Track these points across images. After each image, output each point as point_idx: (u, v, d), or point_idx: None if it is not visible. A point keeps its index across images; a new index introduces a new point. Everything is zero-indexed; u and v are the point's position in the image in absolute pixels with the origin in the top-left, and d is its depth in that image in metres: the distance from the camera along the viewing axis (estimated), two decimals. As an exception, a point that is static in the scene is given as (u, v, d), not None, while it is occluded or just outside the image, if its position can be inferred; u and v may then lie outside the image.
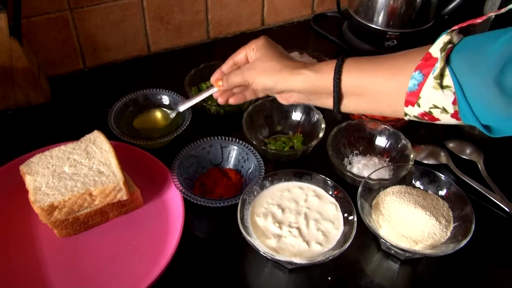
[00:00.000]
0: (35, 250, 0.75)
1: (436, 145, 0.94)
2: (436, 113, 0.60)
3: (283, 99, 0.76)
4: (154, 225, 0.79)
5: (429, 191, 0.80)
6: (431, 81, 0.58)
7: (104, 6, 1.06)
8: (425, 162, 0.91)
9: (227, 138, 0.88)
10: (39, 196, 0.71)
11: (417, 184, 0.82)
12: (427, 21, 1.16)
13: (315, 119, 0.94)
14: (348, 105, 0.69)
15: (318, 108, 0.94)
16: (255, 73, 0.72)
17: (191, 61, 1.08)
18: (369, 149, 0.92)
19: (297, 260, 0.68)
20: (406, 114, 0.64)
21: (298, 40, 1.29)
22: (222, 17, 1.22)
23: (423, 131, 1.00)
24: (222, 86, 0.77)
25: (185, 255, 0.75)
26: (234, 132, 0.91)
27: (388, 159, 0.91)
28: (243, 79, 0.74)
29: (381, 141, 0.92)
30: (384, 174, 0.84)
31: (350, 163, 0.90)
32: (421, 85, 0.59)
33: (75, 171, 0.75)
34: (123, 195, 0.75)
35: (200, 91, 1.03)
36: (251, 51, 0.75)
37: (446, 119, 0.61)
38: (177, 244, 0.73)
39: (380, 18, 1.14)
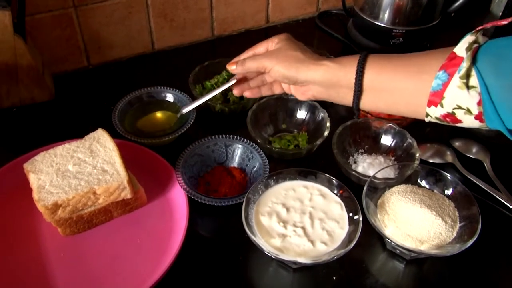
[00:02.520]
0: (39, 248, 0.75)
1: (442, 144, 0.93)
2: (459, 114, 0.59)
3: (300, 94, 0.76)
4: (158, 224, 0.79)
5: (435, 191, 0.80)
6: (456, 80, 0.57)
7: (109, 3, 1.06)
8: (431, 161, 0.91)
9: (231, 136, 0.88)
10: (43, 194, 0.71)
11: (423, 183, 0.81)
12: (433, 19, 1.16)
13: (320, 118, 0.93)
14: (367, 102, 0.69)
15: (323, 106, 0.94)
16: (275, 60, 0.72)
17: (196, 59, 1.07)
18: (375, 148, 0.92)
19: (302, 260, 0.68)
20: (427, 115, 0.63)
21: (303, 38, 1.26)
22: (226, 14, 1.22)
23: (428, 129, 0.99)
24: (235, 69, 0.77)
25: (189, 254, 0.74)
26: (239, 130, 0.91)
27: (393, 158, 0.90)
28: (261, 65, 0.73)
29: (387, 140, 0.92)
30: (390, 173, 0.83)
31: (355, 162, 0.90)
32: (445, 85, 0.58)
33: (79, 170, 0.75)
34: (127, 194, 0.75)
35: (204, 88, 1.02)
36: (273, 44, 0.75)
37: (469, 121, 0.60)
38: (181, 243, 0.72)
39: (385, 16, 1.13)
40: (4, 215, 0.79)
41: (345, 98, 0.70)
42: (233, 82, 0.88)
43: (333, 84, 0.70)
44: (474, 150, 0.92)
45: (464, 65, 0.57)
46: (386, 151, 0.91)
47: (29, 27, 0.98)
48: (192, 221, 0.76)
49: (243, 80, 0.81)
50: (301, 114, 0.97)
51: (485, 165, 0.90)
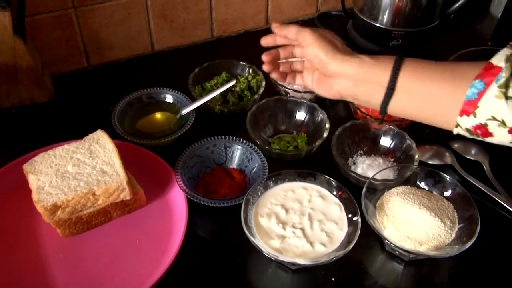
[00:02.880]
0: (38, 249, 0.75)
1: (441, 145, 0.93)
2: (492, 126, 0.58)
3: (324, 88, 0.74)
4: (157, 225, 0.79)
5: (434, 192, 0.80)
6: (494, 90, 0.56)
7: (108, 4, 1.06)
8: (430, 162, 0.91)
9: (231, 137, 0.88)
10: (42, 195, 0.71)
11: (422, 184, 0.81)
12: (432, 20, 1.16)
13: (319, 119, 0.94)
14: (396, 105, 0.67)
15: (322, 107, 0.94)
16: (317, 38, 0.70)
17: (195, 60, 1.07)
18: (374, 149, 0.92)
19: (301, 261, 0.68)
20: (457, 125, 0.61)
21: (302, 39, 1.28)
22: (226, 15, 1.22)
23: (427, 131, 0.99)
24: (276, 28, 0.75)
25: (188, 255, 0.74)
26: (238, 131, 0.91)
27: (392, 160, 0.90)
28: (302, 35, 0.71)
29: (386, 141, 0.92)
30: (389, 174, 0.83)
31: (354, 163, 0.90)
32: (481, 94, 0.57)
33: (79, 171, 0.75)
34: (126, 195, 0.75)
35: (204, 90, 1.02)
36: (300, 43, 0.73)
37: (501, 134, 0.58)
38: (181, 244, 0.72)
39: (385, 17, 1.13)
40: (3, 216, 0.79)
41: (374, 96, 0.68)
42: (232, 83, 0.89)
43: (365, 80, 0.67)
44: (473, 151, 0.92)
45: (503, 74, 0.55)
46: (385, 153, 0.91)
47: (29, 28, 0.98)
48: (191, 222, 0.76)
49: (275, 59, 0.79)
50: (301, 115, 0.97)
51: (484, 166, 0.90)
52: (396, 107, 0.67)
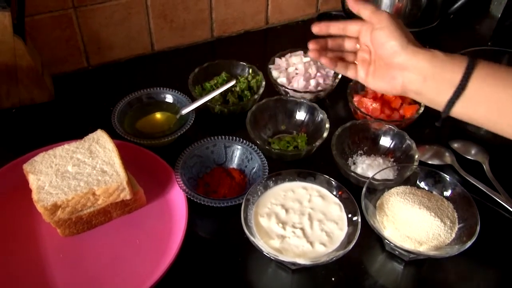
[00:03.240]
0: (38, 249, 0.75)
1: (441, 145, 0.93)
2: None
3: (386, 79, 0.70)
4: (157, 225, 0.79)
5: (434, 192, 0.80)
6: None
7: (108, 4, 1.06)
8: (430, 162, 0.91)
9: (230, 137, 0.88)
10: (43, 195, 0.71)
11: (422, 184, 0.81)
12: (432, 20, 1.16)
13: (319, 119, 0.94)
14: (463, 107, 0.63)
15: (322, 107, 0.94)
16: (394, 23, 0.67)
17: (195, 60, 1.07)
18: (374, 149, 0.92)
19: (301, 261, 0.68)
20: None
21: (302, 39, 1.27)
22: (226, 15, 1.22)
23: (427, 131, 1.00)
24: (352, 1, 0.72)
25: (188, 255, 0.74)
26: (238, 131, 0.91)
27: (392, 160, 0.90)
28: (379, 15, 0.68)
29: (386, 141, 0.92)
30: (389, 174, 0.83)
31: (354, 163, 0.90)
32: None
33: (79, 170, 0.75)
34: (126, 195, 0.75)
35: (203, 90, 1.02)
36: (373, 24, 0.69)
37: None
38: (180, 244, 0.72)
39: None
40: (3, 216, 0.79)
41: (440, 95, 0.64)
42: (232, 83, 0.88)
43: (435, 76, 0.64)
44: (473, 151, 0.92)
45: None
46: (385, 153, 0.91)
47: (29, 28, 0.98)
48: (191, 222, 0.76)
49: (322, 47, 0.77)
50: (300, 115, 0.97)
51: (484, 166, 0.90)
52: (462, 109, 0.64)
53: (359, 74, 0.75)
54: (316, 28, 0.76)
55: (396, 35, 0.66)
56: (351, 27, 0.75)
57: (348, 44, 0.77)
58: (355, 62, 0.77)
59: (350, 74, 0.76)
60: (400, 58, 0.66)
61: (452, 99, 0.63)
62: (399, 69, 0.68)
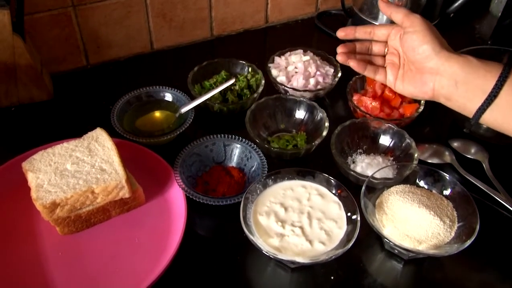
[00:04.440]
0: (37, 247, 0.75)
1: (441, 144, 0.93)
2: None
3: (417, 84, 0.70)
4: (156, 223, 0.78)
5: (433, 191, 0.80)
6: None
7: (108, 3, 1.06)
8: (429, 161, 0.91)
9: (230, 136, 0.88)
10: (41, 193, 0.71)
11: (421, 183, 0.81)
12: (432, 19, 1.16)
13: (318, 118, 0.93)
14: (493, 115, 0.62)
15: (321, 106, 0.94)
16: (427, 26, 0.67)
17: (194, 59, 1.07)
18: (373, 148, 0.92)
19: (300, 260, 0.68)
20: None
21: (302, 38, 1.28)
22: (225, 14, 1.22)
23: (427, 130, 1.00)
24: (383, 4, 0.72)
25: (187, 254, 0.74)
26: (237, 130, 0.91)
27: (392, 158, 0.90)
28: (411, 21, 0.68)
29: (385, 140, 0.92)
30: (388, 173, 0.83)
31: (353, 162, 0.90)
32: None
33: (78, 169, 0.75)
34: (125, 193, 0.75)
35: (203, 88, 1.02)
36: (406, 27, 0.69)
37: None
38: (179, 242, 0.72)
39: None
40: (2, 214, 0.79)
41: (472, 101, 0.64)
42: (232, 81, 0.88)
43: (467, 81, 0.64)
44: (472, 150, 0.92)
45: None
46: (385, 151, 0.91)
47: (28, 26, 0.98)
48: (190, 220, 0.76)
49: (350, 50, 0.78)
50: (300, 114, 0.97)
51: (484, 165, 0.90)
52: (492, 117, 0.63)
53: (388, 78, 0.75)
54: (342, 33, 0.76)
55: (429, 39, 0.66)
56: (378, 31, 0.75)
57: (376, 48, 0.77)
58: (384, 66, 0.77)
59: (379, 78, 0.77)
60: (433, 62, 0.66)
61: (483, 107, 0.63)
62: (431, 74, 0.67)
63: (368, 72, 0.77)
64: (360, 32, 0.76)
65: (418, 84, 0.70)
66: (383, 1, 0.73)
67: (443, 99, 0.69)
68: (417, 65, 0.69)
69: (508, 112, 0.62)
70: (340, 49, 0.76)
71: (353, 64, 0.76)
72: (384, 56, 0.78)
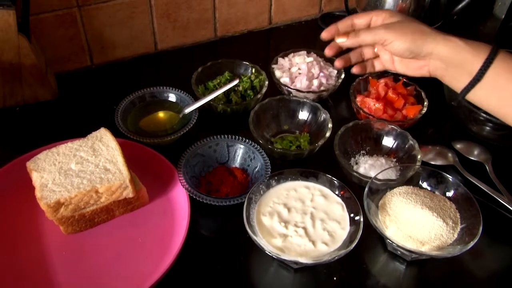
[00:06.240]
0: (41, 246, 0.75)
1: (444, 145, 0.93)
2: None
3: (413, 69, 0.75)
4: (159, 223, 0.79)
5: (437, 192, 0.80)
6: None
7: (112, 3, 1.06)
8: (433, 163, 0.91)
9: (233, 136, 0.88)
10: (46, 192, 0.71)
11: (424, 185, 0.81)
12: (435, 21, 1.16)
13: (322, 119, 0.94)
14: (478, 94, 0.68)
15: (325, 107, 0.94)
16: (399, 33, 0.70)
17: (198, 59, 1.07)
18: (376, 149, 0.92)
19: (303, 260, 0.68)
20: None
21: (305, 39, 1.28)
22: (229, 15, 1.22)
23: (430, 131, 1.00)
24: (346, 42, 0.76)
25: (191, 254, 0.75)
26: (241, 130, 0.91)
27: (395, 160, 0.90)
28: (380, 37, 0.72)
29: (388, 141, 0.92)
30: (391, 174, 0.83)
31: (356, 163, 0.90)
32: None
33: (82, 168, 0.75)
34: (129, 193, 0.75)
35: (207, 89, 1.03)
36: (380, 18, 0.74)
37: None
38: (183, 242, 0.73)
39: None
40: (7, 213, 0.79)
41: (460, 81, 0.69)
42: (235, 82, 0.88)
43: (456, 64, 0.68)
44: (475, 152, 0.92)
45: None
46: (388, 153, 0.91)
47: (33, 26, 0.99)
48: (193, 220, 0.76)
49: (347, 64, 0.81)
50: (303, 115, 0.97)
51: (487, 167, 0.90)
52: (478, 97, 0.68)
53: (386, 64, 0.79)
54: (326, 34, 0.78)
55: (409, 42, 0.70)
56: (358, 21, 0.77)
57: (367, 53, 0.80)
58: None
59: (378, 66, 0.81)
60: (424, 53, 0.70)
61: (467, 88, 0.67)
62: (425, 59, 0.72)
63: (369, 69, 0.81)
64: (341, 26, 0.78)
65: (416, 68, 0.75)
66: (341, 36, 0.77)
67: (438, 77, 0.74)
68: (410, 59, 0.74)
69: (490, 93, 0.67)
70: (337, 64, 0.80)
71: (356, 70, 0.80)
72: (378, 56, 0.82)
